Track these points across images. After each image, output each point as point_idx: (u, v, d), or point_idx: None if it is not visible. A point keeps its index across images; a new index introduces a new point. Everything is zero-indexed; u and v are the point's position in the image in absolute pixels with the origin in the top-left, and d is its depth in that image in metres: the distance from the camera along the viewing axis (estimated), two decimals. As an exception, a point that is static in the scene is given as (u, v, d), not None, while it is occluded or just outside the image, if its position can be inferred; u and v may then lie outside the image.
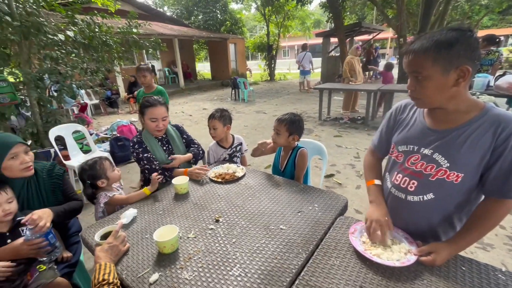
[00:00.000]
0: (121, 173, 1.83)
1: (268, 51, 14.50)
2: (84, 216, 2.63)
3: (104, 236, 1.13)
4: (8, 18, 3.28)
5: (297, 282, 0.90)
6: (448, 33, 0.82)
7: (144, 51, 5.94)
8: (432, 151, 0.96)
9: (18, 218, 1.24)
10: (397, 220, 1.08)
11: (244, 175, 1.74)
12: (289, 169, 1.81)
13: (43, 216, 1.21)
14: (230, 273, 0.96)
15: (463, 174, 0.91)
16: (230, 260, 1.02)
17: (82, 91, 7.00)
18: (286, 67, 19.02)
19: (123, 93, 8.84)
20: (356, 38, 11.99)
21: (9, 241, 1.19)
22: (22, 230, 1.24)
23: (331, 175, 3.40)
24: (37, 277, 1.17)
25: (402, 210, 1.07)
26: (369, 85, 6.18)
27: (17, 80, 4.26)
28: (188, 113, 7.70)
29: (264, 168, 3.48)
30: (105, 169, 1.55)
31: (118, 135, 4.75)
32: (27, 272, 1.20)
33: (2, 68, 4.20)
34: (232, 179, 1.69)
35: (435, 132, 0.97)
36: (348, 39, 9.94)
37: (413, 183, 1.01)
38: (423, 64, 0.86)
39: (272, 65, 14.81)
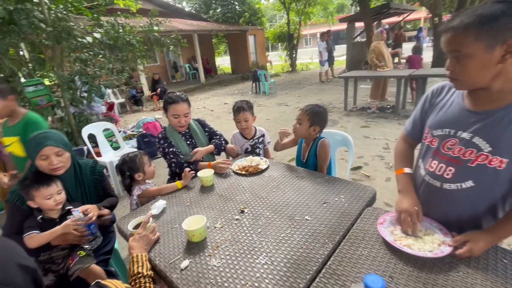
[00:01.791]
0: None
1: (289, 40, 14.21)
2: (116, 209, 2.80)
3: (137, 227, 1.20)
4: (42, 24, 3.50)
5: (323, 271, 0.90)
6: (492, 6, 0.75)
7: (165, 48, 6.09)
8: (471, 134, 0.89)
9: (66, 208, 1.36)
10: (432, 210, 1.03)
11: (267, 168, 1.75)
12: (312, 161, 1.79)
13: (92, 209, 1.36)
14: (257, 261, 0.98)
15: (508, 160, 0.83)
16: (256, 249, 1.04)
17: (109, 91, 7.36)
18: (308, 56, 18.53)
19: (147, 91, 9.18)
20: (384, 21, 11.33)
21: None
22: (69, 218, 1.36)
23: (359, 168, 3.31)
24: (77, 262, 1.27)
25: (437, 199, 1.01)
26: (399, 70, 5.81)
27: (52, 82, 4.58)
28: (210, 108, 7.82)
29: (288, 161, 3.47)
30: (143, 163, 1.64)
31: (144, 131, 4.95)
32: (69, 257, 1.31)
33: (38, 72, 4.53)
34: (255, 172, 1.71)
35: (475, 114, 0.89)
36: (375, 23, 9.43)
37: (450, 170, 0.95)
38: (464, 41, 0.79)
39: (294, 55, 14.50)
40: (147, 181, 1.71)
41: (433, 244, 0.93)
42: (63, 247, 1.33)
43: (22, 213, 1.33)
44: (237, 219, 1.25)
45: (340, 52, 14.23)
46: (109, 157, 3.51)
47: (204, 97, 9.71)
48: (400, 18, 12.30)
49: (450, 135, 0.95)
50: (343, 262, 0.93)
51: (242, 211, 1.30)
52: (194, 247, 1.09)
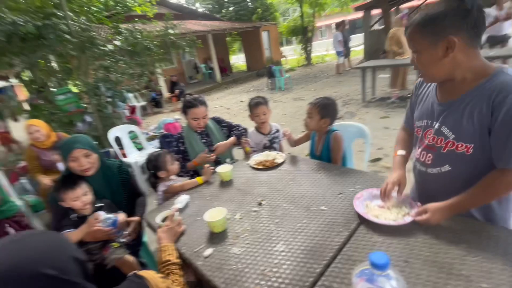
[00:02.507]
0: None
1: (303, 34, 14.01)
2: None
3: (164, 220, 1.30)
4: (68, 36, 3.74)
5: (339, 256, 0.94)
6: (438, 5, 0.84)
7: (181, 50, 6.26)
8: (439, 124, 0.98)
9: (96, 205, 1.49)
10: (423, 193, 1.13)
11: (284, 162, 1.79)
12: (325, 153, 1.81)
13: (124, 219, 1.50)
14: (275, 248, 1.03)
15: (472, 145, 0.91)
16: (274, 238, 1.09)
17: (130, 95, 7.70)
18: (324, 48, 18.15)
19: (165, 93, 9.48)
20: (403, 6, 10.81)
21: None
22: (100, 214, 1.48)
23: (378, 159, 3.25)
24: (111, 252, 1.40)
25: (426, 183, 1.12)
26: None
27: (79, 90, 4.87)
28: (226, 106, 7.94)
29: (305, 155, 3.47)
30: (166, 162, 1.74)
31: (165, 132, 5.14)
32: (104, 248, 1.44)
33: (66, 81, 4.84)
34: (272, 166, 1.76)
35: (441, 105, 0.99)
36: (393, 9, 9.04)
37: (429, 156, 1.05)
38: (414, 38, 0.90)
39: (309, 48, 14.28)
40: (171, 177, 1.81)
41: (398, 215, 1.05)
42: (98, 241, 1.46)
43: (60, 211, 1.48)
44: (255, 211, 1.31)
45: (357, 42, 13.81)
46: (134, 157, 3.71)
47: (220, 96, 9.87)
48: (420, 1, 11.68)
49: (428, 126, 1.05)
50: (358, 248, 0.96)
51: (260, 204, 1.36)
52: (216, 237, 1.17)
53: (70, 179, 1.42)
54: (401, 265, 0.86)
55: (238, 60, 21.70)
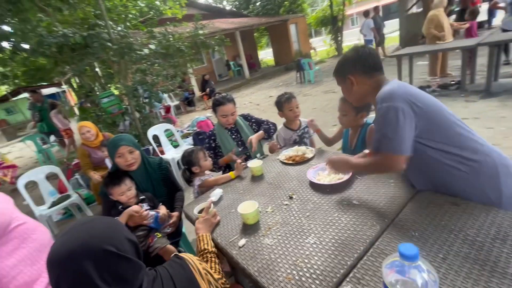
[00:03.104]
0: None
1: (333, 23, 13.50)
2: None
3: (201, 211, 1.39)
4: (109, 44, 4.06)
5: (371, 250, 0.94)
6: (341, 57, 1.29)
7: (210, 49, 6.44)
8: None
9: (140, 197, 1.65)
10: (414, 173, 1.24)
11: (313, 156, 1.79)
12: (360, 148, 1.76)
13: (165, 213, 1.64)
14: (306, 241, 1.06)
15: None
16: (305, 231, 1.12)
17: (165, 95, 8.12)
18: (356, 37, 17.32)
19: (197, 92, 9.83)
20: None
21: None
22: (142, 206, 1.64)
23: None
24: (155, 242, 1.53)
25: (410, 164, 1.18)
26: (462, 41, 5.01)
27: (119, 92, 5.27)
28: (256, 102, 8.01)
29: (337, 150, 3.40)
30: (198, 158, 1.86)
31: (198, 129, 5.36)
32: (149, 237, 1.59)
33: (109, 85, 5.26)
34: (302, 160, 1.77)
35: None
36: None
37: None
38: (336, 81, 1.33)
39: (339, 38, 13.75)
40: (206, 172, 1.91)
41: (332, 178, 1.41)
42: (143, 229, 1.61)
43: (109, 203, 1.66)
44: (286, 204, 1.34)
45: (391, 28, 12.95)
46: (171, 154, 3.94)
47: (249, 92, 9.96)
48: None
49: None
50: (392, 242, 0.95)
51: (291, 197, 1.39)
52: (249, 229, 1.23)
53: (116, 176, 1.58)
54: (438, 261, 0.83)
55: (266, 55, 21.63)
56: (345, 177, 1.37)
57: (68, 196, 3.13)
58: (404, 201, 1.14)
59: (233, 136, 2.18)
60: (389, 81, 1.17)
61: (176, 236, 1.76)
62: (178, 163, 4.08)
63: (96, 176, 2.92)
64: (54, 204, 3.03)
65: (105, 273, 0.67)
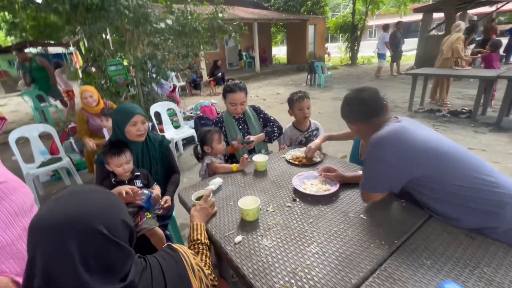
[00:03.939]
0: None
1: (352, 31, 13.34)
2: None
3: (198, 199, 1.31)
4: (126, 11, 3.92)
5: (377, 272, 0.87)
6: (342, 104, 1.32)
7: (226, 36, 6.29)
8: None
9: (135, 173, 1.56)
10: None
11: (321, 161, 1.72)
12: None
13: (159, 194, 1.55)
14: (308, 249, 0.99)
15: None
16: (307, 237, 1.05)
17: (172, 74, 7.95)
18: (372, 49, 17.19)
19: (205, 77, 9.67)
20: (471, 12, 9.78)
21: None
22: (136, 182, 1.56)
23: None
24: (144, 222, 1.46)
25: None
26: (483, 70, 4.92)
27: (128, 63, 5.13)
28: (262, 97, 7.89)
29: (340, 158, 3.33)
30: (212, 140, 1.79)
31: (201, 114, 5.25)
32: (138, 215, 1.51)
33: (119, 54, 5.11)
34: (309, 163, 1.70)
35: None
36: (458, 14, 8.22)
37: None
38: None
39: (355, 48, 13.61)
40: (219, 155, 1.87)
41: (319, 189, 1.37)
42: (133, 205, 1.53)
43: (104, 173, 1.57)
44: (289, 206, 1.27)
45: (409, 46, 12.84)
46: (170, 134, 3.85)
47: (257, 86, 9.83)
48: (493, 8, 10.43)
49: None
50: (401, 267, 0.88)
51: (294, 200, 1.32)
52: (247, 225, 1.15)
53: (116, 146, 1.49)
54: (450, 295, 0.77)
55: (279, 52, 21.39)
56: (332, 189, 1.35)
57: (59, 159, 3.03)
58: (415, 224, 1.07)
59: (240, 127, 2.09)
60: (390, 122, 1.17)
61: (165, 218, 1.68)
62: (176, 144, 3.99)
63: (91, 143, 2.82)
64: (43, 164, 2.93)
65: (89, 258, 0.58)
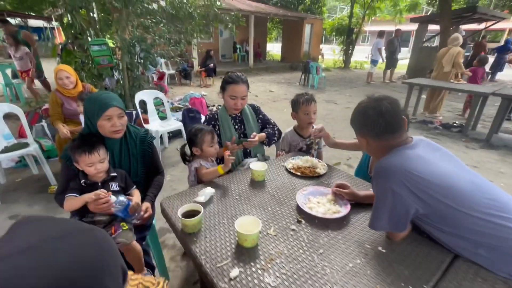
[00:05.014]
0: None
1: (348, 35, 13.31)
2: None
3: (186, 215, 1.09)
4: (115, -14, 3.55)
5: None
6: (354, 110, 1.13)
7: (222, 26, 6.00)
8: None
9: (111, 174, 1.31)
10: None
11: (325, 173, 1.54)
12: None
13: (138, 202, 1.32)
14: (321, 293, 0.81)
15: None
16: (318, 275, 0.86)
17: (162, 61, 7.53)
18: (365, 54, 17.30)
19: (196, 66, 9.29)
20: (463, 27, 10.00)
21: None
22: (111, 185, 1.31)
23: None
24: (119, 234, 1.22)
25: None
26: (480, 86, 4.94)
27: (114, 45, 4.74)
28: (254, 93, 7.66)
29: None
30: (203, 141, 1.54)
31: (190, 106, 4.96)
32: (111, 225, 1.27)
33: (104, 34, 4.70)
34: (312, 175, 1.51)
35: None
36: (452, 27, 8.34)
37: None
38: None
39: (350, 51, 13.61)
40: (210, 159, 1.62)
41: (327, 210, 1.18)
42: (105, 214, 1.29)
43: (71, 172, 1.31)
44: (293, 229, 1.08)
45: (402, 54, 13.02)
46: (155, 126, 3.56)
47: (250, 81, 9.50)
48: (482, 25, 10.75)
49: None
50: (437, 325, 0.72)
51: (299, 221, 1.13)
52: (244, 253, 0.95)
53: (88, 142, 1.23)
54: None
55: (272, 48, 21.10)
56: (343, 211, 1.17)
57: (26, 145, 2.68)
58: (442, 263, 0.91)
59: (236, 126, 1.88)
60: (401, 148, 1.01)
61: (144, 229, 1.44)
62: (161, 137, 3.70)
63: (65, 130, 2.50)
64: (6, 150, 2.57)
65: None
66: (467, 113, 4.97)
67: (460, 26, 9.70)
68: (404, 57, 11.82)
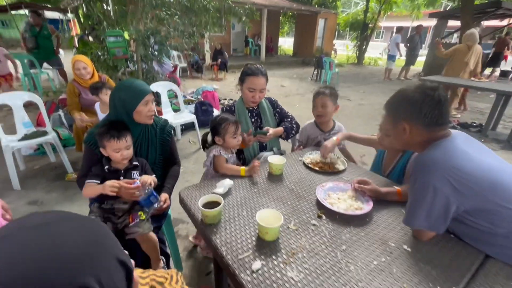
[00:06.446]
0: (201, 137, 1.79)
1: (363, 30, 13.01)
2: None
3: (206, 206, 1.08)
4: (131, -24, 3.55)
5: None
6: (401, 93, 1.05)
7: (236, 19, 5.95)
8: None
9: (134, 163, 1.33)
10: None
11: (345, 169, 1.51)
12: (396, 176, 1.49)
13: (151, 181, 1.30)
14: (346, 287, 0.79)
15: None
16: (342, 271, 0.84)
17: (174, 53, 7.54)
18: (378, 51, 16.89)
19: (208, 60, 9.28)
20: (485, 24, 9.59)
21: (121, 178, 1.28)
22: (133, 173, 1.32)
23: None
24: (136, 224, 1.22)
25: None
26: (500, 84, 4.71)
27: (129, 37, 4.76)
28: (267, 88, 7.61)
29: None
30: (226, 131, 1.49)
31: (203, 99, 4.97)
32: (129, 214, 1.28)
33: (120, 25, 4.73)
34: (331, 171, 1.48)
35: None
36: (473, 23, 8.01)
37: None
38: (384, 116, 1.12)
39: (364, 47, 13.32)
40: (230, 149, 1.57)
41: (349, 206, 1.15)
42: (124, 201, 1.30)
43: (94, 157, 1.33)
44: (314, 224, 1.06)
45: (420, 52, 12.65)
46: (169, 117, 3.57)
47: (261, 76, 9.49)
48: (504, 22, 10.27)
49: None
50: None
51: (320, 216, 1.11)
52: (265, 246, 0.94)
53: (117, 127, 1.24)
54: None
55: (284, 43, 20.86)
56: (366, 208, 1.14)
57: (45, 133, 2.74)
58: (472, 266, 0.88)
59: (253, 120, 1.86)
60: (442, 141, 0.96)
61: (160, 218, 1.45)
62: (174, 129, 3.72)
63: (81, 119, 2.54)
64: (26, 137, 2.64)
65: None
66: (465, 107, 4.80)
67: (482, 22, 9.31)
68: (422, 53, 11.48)
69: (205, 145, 1.65)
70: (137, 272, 0.66)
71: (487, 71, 8.82)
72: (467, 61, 4.78)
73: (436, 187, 0.88)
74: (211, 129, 1.55)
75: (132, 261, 0.47)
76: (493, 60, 7.97)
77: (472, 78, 4.72)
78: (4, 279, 0.31)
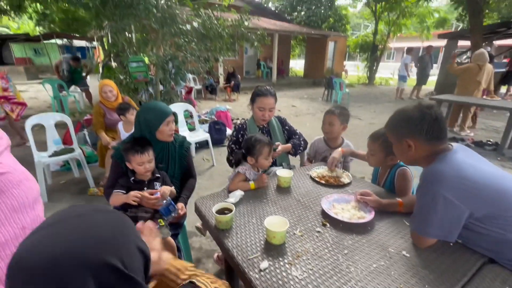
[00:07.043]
0: (214, 154, 1.89)
1: (372, 51, 13.28)
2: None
3: (219, 212, 1.19)
4: (154, 10, 3.94)
5: (434, 328, 0.73)
6: (400, 113, 1.15)
7: (248, 44, 6.30)
8: None
9: (156, 175, 1.49)
10: None
11: (350, 183, 1.59)
12: (388, 188, 1.58)
13: (168, 193, 1.44)
14: (345, 286, 0.85)
15: None
16: (343, 273, 0.91)
17: (190, 76, 7.98)
18: (389, 71, 17.05)
19: (222, 82, 9.71)
20: (496, 43, 9.62)
21: (145, 188, 1.44)
22: (155, 184, 1.48)
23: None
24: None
25: None
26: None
27: (149, 62, 5.15)
28: (277, 108, 7.78)
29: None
30: (260, 153, 1.53)
31: (216, 119, 5.19)
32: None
33: (141, 52, 5.14)
34: (336, 184, 1.57)
35: None
36: (484, 43, 8.07)
37: None
38: (388, 134, 1.23)
39: (374, 68, 13.51)
40: (257, 168, 1.61)
41: (353, 215, 1.22)
42: (146, 210, 1.43)
43: (121, 170, 1.49)
44: (318, 231, 1.14)
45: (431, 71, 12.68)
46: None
47: (273, 96, 9.76)
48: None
49: None
50: (461, 325, 0.74)
51: (324, 225, 1.19)
52: (272, 249, 1.03)
53: (140, 144, 1.41)
54: None
55: (295, 65, 21.45)
56: (368, 217, 1.20)
57: (72, 150, 2.98)
58: (469, 272, 0.92)
59: None
60: (447, 154, 1.04)
61: (177, 227, 1.57)
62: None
63: (108, 138, 2.77)
64: (56, 154, 2.87)
65: None
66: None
67: (494, 42, 9.34)
68: (433, 73, 11.53)
69: (231, 161, 1.76)
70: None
71: (503, 89, 8.71)
72: (480, 80, 4.82)
73: (446, 197, 0.94)
74: (245, 149, 1.58)
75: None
76: (506, 78, 7.89)
77: (484, 97, 4.73)
78: (55, 251, 0.43)
